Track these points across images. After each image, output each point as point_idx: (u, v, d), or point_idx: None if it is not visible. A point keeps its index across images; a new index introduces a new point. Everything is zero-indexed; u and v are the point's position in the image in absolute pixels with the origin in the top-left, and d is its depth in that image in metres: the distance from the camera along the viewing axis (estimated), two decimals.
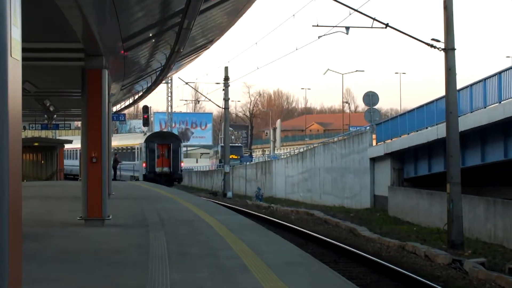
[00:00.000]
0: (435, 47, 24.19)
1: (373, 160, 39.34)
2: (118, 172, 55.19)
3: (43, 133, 70.10)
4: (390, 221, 32.26)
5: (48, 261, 12.22)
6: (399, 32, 25.63)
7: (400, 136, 36.01)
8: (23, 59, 6.28)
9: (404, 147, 34.86)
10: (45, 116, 43.08)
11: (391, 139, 37.22)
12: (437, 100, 31.40)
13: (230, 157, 67.52)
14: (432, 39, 24.52)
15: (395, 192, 35.56)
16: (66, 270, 11.20)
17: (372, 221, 31.88)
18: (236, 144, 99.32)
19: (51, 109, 37.68)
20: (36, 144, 53.10)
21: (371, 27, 25.87)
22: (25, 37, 6.42)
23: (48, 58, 18.96)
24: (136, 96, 49.25)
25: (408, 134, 34.94)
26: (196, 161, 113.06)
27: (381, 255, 20.88)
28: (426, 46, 24.41)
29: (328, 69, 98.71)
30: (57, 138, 70.12)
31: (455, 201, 23.22)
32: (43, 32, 16.75)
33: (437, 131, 30.13)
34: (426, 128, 32.44)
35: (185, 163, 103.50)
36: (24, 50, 6.37)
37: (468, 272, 17.95)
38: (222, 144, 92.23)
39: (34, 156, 54.44)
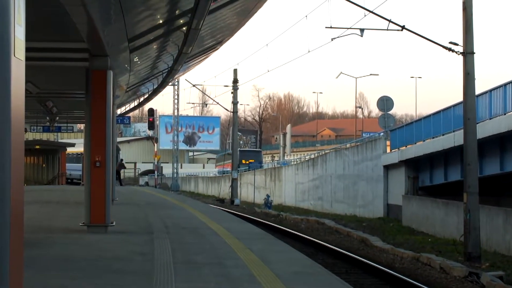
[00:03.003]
0: (453, 50, 23.51)
1: (387, 168, 38.81)
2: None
3: (45, 136, 69.94)
4: (404, 231, 31.74)
5: (49, 268, 11.97)
6: (415, 35, 25.03)
7: (415, 143, 35.51)
8: (25, 59, 6.11)
9: (419, 155, 34.34)
10: (47, 118, 42.74)
11: (406, 146, 36.77)
12: (454, 106, 30.89)
13: (250, 161, 67.04)
14: (450, 42, 23.85)
15: (409, 201, 34.96)
16: (68, 278, 10.97)
17: (385, 231, 31.38)
18: (256, 149, 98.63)
19: (54, 111, 37.35)
20: (38, 147, 52.81)
21: (387, 29, 25.34)
22: (27, 36, 6.16)
23: (51, 58, 18.72)
24: (142, 99, 48.92)
25: (424, 141, 34.43)
26: (202, 166, 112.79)
27: (394, 266, 20.39)
28: (444, 49, 23.75)
29: (341, 73, 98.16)
30: (59, 141, 69.90)
31: (472, 211, 22.58)
32: (46, 31, 16.39)
33: (454, 138, 29.57)
34: (443, 135, 31.92)
35: (191, 169, 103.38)
36: (26, 49, 6.17)
37: (486, 286, 17.40)
38: (241, 149, 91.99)
39: (35, 159, 54.06)
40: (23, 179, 6.61)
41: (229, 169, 72.00)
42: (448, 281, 18.23)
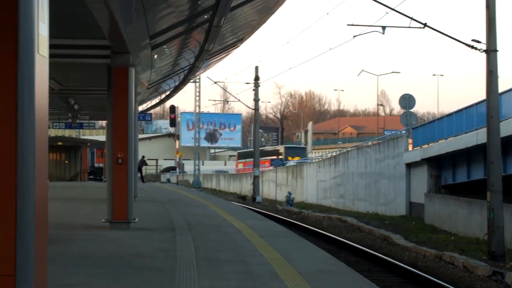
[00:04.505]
0: (476, 48, 23.33)
1: (409, 166, 38.61)
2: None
3: (67, 132, 70.17)
4: (427, 229, 31.54)
5: (72, 265, 11.99)
6: (437, 32, 24.88)
7: (438, 141, 35.26)
8: (48, 56, 6.17)
9: (442, 153, 34.12)
10: (69, 114, 42.79)
11: (428, 144, 36.47)
12: (477, 104, 30.65)
13: (296, 158, 66.85)
14: (473, 40, 23.67)
15: (431, 200, 34.75)
16: (90, 275, 10.99)
17: (407, 229, 31.20)
18: (300, 146, 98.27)
19: (76, 107, 37.40)
20: (60, 143, 52.78)
21: (409, 27, 25.22)
22: (50, 33, 6.21)
23: (74, 55, 18.73)
24: (163, 96, 48.97)
25: (446, 139, 34.18)
26: (224, 163, 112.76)
27: (416, 264, 20.23)
28: (466, 47, 23.60)
29: (363, 70, 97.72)
30: (81, 137, 70.08)
31: (496, 210, 22.41)
32: (68, 28, 16.44)
33: (477, 137, 29.34)
34: (465, 133, 31.67)
35: (213, 166, 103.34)
36: (49, 46, 6.21)
37: (510, 285, 17.22)
38: (287, 145, 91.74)
39: (58, 155, 54.10)
40: (47, 176, 6.60)
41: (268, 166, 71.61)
42: (472, 280, 18.05)
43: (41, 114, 6.21)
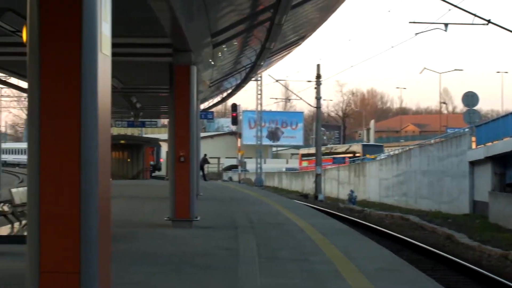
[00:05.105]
0: None
1: (472, 164, 38.08)
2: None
3: (129, 131, 70.74)
4: (491, 228, 31.01)
5: (135, 262, 12.09)
6: (501, 29, 24.51)
7: (502, 139, 34.65)
8: (111, 54, 6.28)
9: (507, 151, 33.53)
10: (131, 113, 43.14)
11: (492, 142, 35.90)
12: None
13: (373, 157, 66.48)
14: None
15: (496, 198, 34.20)
16: (153, 273, 11.06)
17: (471, 227, 30.75)
18: (378, 144, 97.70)
19: (138, 106, 37.71)
20: (123, 142, 53.17)
21: (472, 24, 24.90)
22: (112, 32, 6.39)
23: (136, 54, 18.88)
24: (225, 94, 49.07)
25: (511, 137, 33.52)
26: (286, 161, 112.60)
27: (481, 264, 19.90)
28: None
29: (425, 68, 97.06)
30: (143, 135, 70.52)
31: None
32: (130, 27, 16.54)
33: None
34: None
35: (274, 164, 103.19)
36: (111, 45, 6.34)
37: None
38: (365, 143, 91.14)
39: (120, 154, 54.55)
40: (110, 175, 6.65)
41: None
42: None
43: (104, 112, 6.25)
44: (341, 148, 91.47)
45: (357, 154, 78.38)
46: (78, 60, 5.95)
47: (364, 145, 77.68)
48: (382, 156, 61.77)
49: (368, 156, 72.09)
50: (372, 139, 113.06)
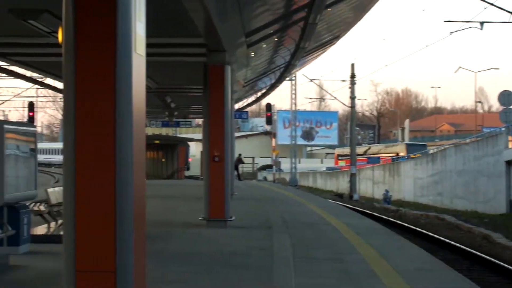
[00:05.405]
0: None
1: (509, 163, 37.72)
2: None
3: (163, 131, 70.88)
4: None
5: (170, 262, 12.14)
6: None
7: None
8: (145, 54, 6.30)
9: None
10: (166, 113, 43.23)
11: None
12: None
13: (417, 156, 66.06)
14: None
15: None
16: (188, 272, 11.09)
17: (508, 227, 30.42)
18: (421, 143, 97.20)
19: (172, 106, 37.81)
20: (157, 141, 53.26)
21: (508, 22, 24.70)
22: (146, 32, 6.41)
23: (170, 54, 18.89)
24: (259, 93, 49.03)
25: None
26: (320, 161, 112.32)
27: None
28: None
29: (460, 67, 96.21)
30: (180, 135, 70.58)
31: None
32: (164, 27, 16.57)
33: None
34: None
35: (309, 164, 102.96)
36: (145, 45, 6.35)
37: None
38: (408, 142, 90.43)
39: (155, 154, 54.68)
40: (145, 175, 6.67)
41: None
42: None
43: (139, 112, 6.26)
44: (380, 148, 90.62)
45: (401, 154, 77.80)
46: (112, 60, 5.96)
47: (408, 145, 76.95)
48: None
49: (411, 156, 71.59)
50: (407, 139, 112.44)
